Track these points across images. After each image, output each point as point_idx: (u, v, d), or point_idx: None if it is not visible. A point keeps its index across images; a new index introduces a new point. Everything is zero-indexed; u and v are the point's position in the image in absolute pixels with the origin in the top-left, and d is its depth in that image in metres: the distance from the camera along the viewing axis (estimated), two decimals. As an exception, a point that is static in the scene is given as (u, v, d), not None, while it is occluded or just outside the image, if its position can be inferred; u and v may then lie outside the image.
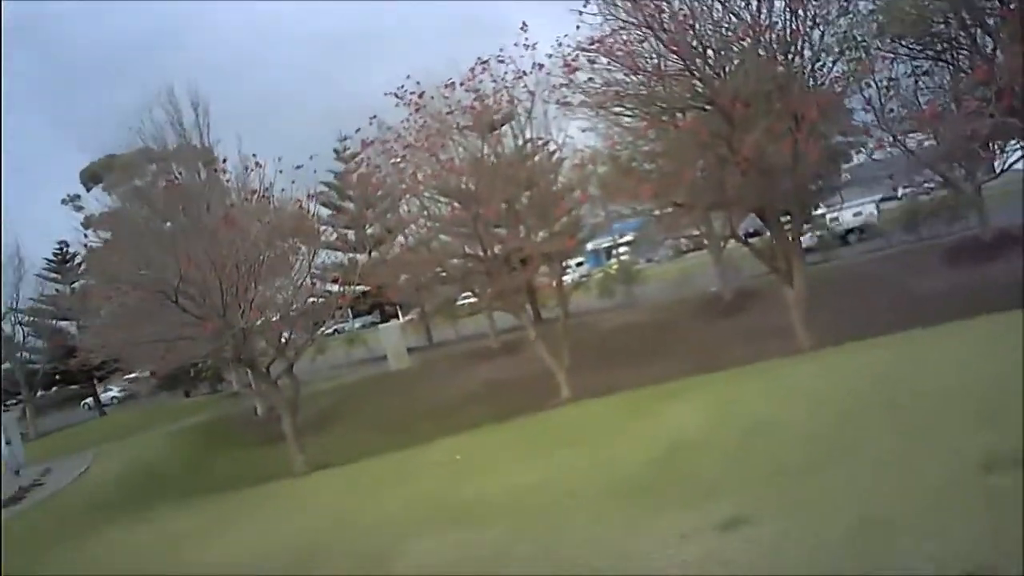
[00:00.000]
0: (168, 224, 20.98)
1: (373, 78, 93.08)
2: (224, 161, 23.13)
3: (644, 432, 10.57)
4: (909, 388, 8.65)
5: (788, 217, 18.32)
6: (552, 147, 23.68)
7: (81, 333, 38.00)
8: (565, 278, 22.94)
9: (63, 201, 49.90)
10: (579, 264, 38.08)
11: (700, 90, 16.44)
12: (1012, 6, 15.92)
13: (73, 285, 44.46)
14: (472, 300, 23.92)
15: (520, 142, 21.81)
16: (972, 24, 16.43)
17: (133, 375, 37.49)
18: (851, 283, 24.78)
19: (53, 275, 45.96)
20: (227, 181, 22.23)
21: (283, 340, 19.75)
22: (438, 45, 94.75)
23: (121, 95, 71.24)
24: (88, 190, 49.23)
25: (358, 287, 23.66)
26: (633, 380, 19.12)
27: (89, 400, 49.48)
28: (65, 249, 45.44)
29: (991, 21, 16.32)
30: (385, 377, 31.14)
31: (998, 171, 21.84)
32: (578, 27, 17.32)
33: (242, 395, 33.37)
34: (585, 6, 17.37)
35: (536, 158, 23.69)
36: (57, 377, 43.49)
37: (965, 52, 17.27)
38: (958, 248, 25.46)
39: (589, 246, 33.82)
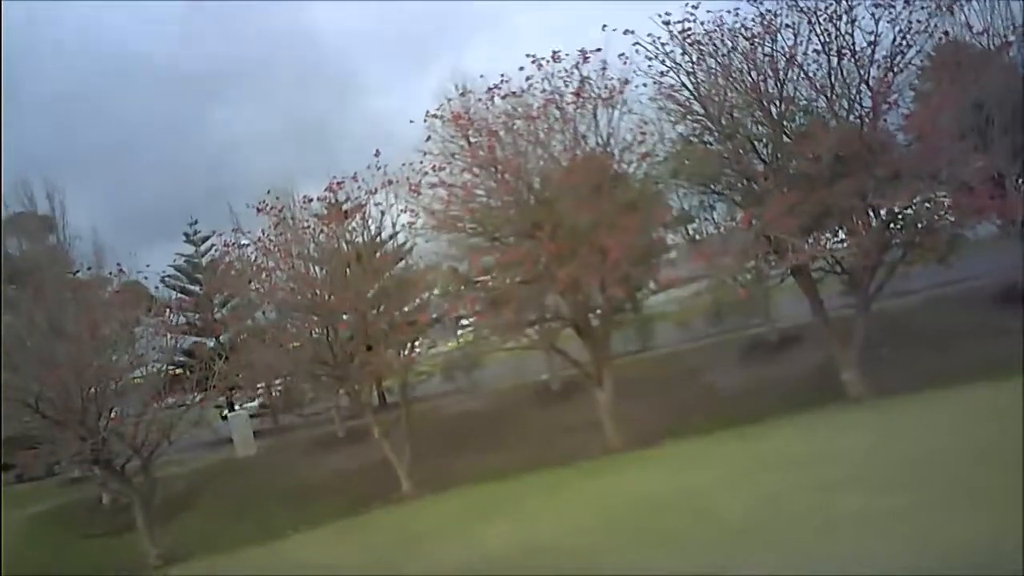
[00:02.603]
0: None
1: (223, 122, 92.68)
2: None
3: (454, 548, 12.81)
4: (663, 507, 11.25)
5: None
6: (400, 240, 26.29)
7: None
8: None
9: None
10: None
11: (524, 223, 19.37)
12: (774, 164, 19.72)
13: None
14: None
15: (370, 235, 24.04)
16: (743, 176, 20.09)
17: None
18: (662, 377, 27.88)
19: None
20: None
21: (140, 442, 20.63)
22: (290, 92, 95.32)
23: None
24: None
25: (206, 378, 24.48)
26: (468, 472, 21.77)
27: None
28: None
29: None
30: (232, 464, 31.71)
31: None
32: (422, 162, 19.96)
33: (83, 481, 32.96)
34: (427, 141, 20.20)
35: (385, 248, 25.96)
36: None
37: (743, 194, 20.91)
38: (750, 346, 29.39)
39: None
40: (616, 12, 18.96)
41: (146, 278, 26.57)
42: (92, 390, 19.60)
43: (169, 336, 24.57)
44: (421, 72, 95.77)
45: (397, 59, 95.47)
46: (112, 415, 20.09)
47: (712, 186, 21.29)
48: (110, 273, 22.89)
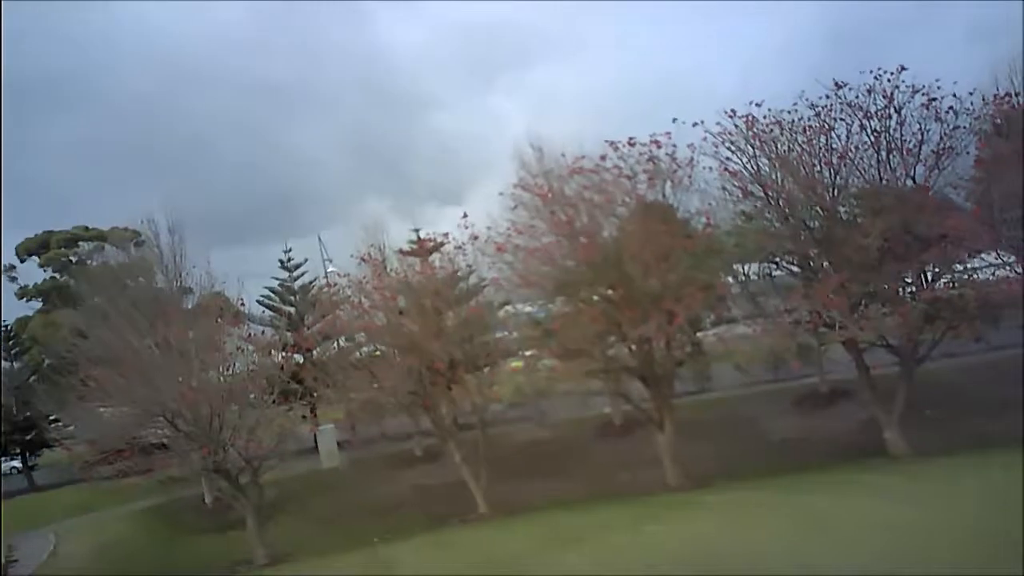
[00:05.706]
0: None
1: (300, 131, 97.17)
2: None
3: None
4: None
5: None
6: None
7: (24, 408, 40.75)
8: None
9: (-3, 272, 52.01)
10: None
11: (599, 284, 21.86)
12: (826, 245, 21.73)
13: (15, 363, 46.88)
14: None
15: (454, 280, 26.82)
16: (798, 254, 22.25)
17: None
18: (719, 421, 30.25)
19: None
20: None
21: (251, 454, 23.47)
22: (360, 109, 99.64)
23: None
24: (22, 262, 51.95)
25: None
26: (537, 498, 24.50)
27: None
28: (8, 327, 47.94)
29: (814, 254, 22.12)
30: (319, 474, 34.76)
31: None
32: (508, 231, 22.52)
33: (179, 480, 36.02)
34: (514, 209, 22.81)
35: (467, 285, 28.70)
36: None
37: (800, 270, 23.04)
38: (801, 396, 31.55)
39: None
40: (682, 104, 21.40)
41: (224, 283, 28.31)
42: (217, 408, 22.56)
43: (273, 354, 27.55)
44: (484, 91, 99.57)
45: (460, 78, 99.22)
46: (233, 430, 22.86)
47: (770, 258, 23.30)
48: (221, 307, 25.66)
